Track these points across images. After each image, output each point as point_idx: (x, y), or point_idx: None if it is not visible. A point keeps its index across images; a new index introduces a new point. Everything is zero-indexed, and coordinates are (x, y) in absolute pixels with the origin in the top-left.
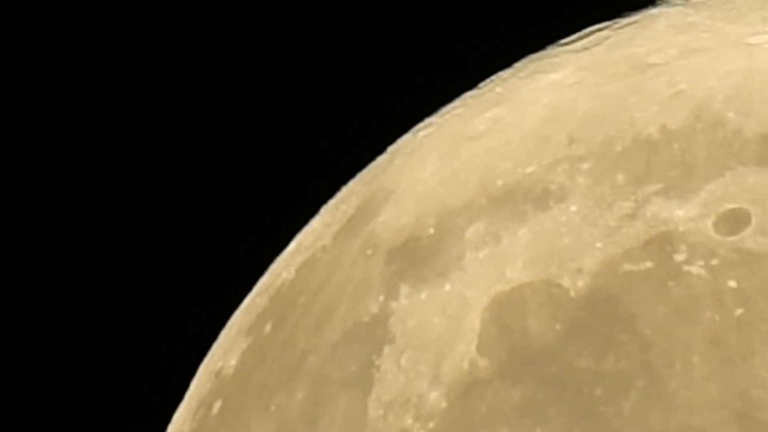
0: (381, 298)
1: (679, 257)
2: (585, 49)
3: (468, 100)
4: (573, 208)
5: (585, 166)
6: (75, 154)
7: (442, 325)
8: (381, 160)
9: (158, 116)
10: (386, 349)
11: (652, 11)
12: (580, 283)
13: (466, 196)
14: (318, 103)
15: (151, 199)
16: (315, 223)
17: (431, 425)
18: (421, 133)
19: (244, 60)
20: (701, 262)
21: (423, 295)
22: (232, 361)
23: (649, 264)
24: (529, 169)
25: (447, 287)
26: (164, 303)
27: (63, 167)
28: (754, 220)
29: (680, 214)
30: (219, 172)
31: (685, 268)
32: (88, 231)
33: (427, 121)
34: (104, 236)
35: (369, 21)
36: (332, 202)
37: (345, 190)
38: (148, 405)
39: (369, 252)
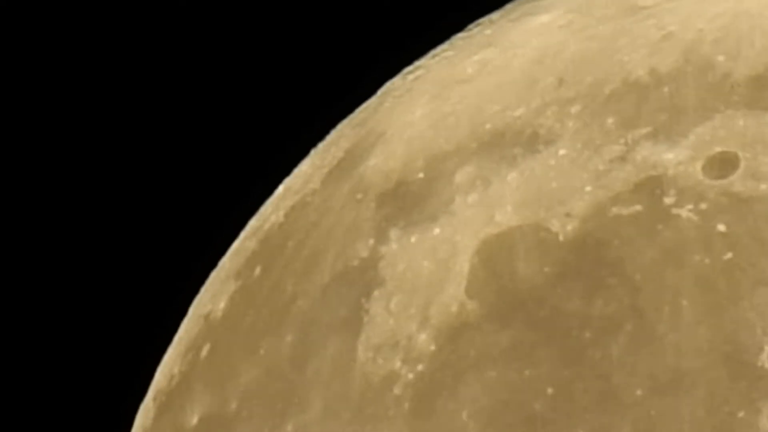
0: (371, 242)
1: (669, 201)
2: None
3: (457, 42)
4: (562, 151)
5: (574, 109)
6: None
7: (432, 269)
8: (371, 102)
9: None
10: (376, 293)
11: None
12: (568, 227)
13: (456, 140)
14: (306, 46)
15: (139, 145)
16: (304, 166)
17: (420, 368)
18: (411, 76)
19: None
20: (690, 206)
21: (413, 239)
22: (221, 305)
23: (638, 207)
24: (518, 112)
25: (437, 231)
26: (152, 245)
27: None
28: (743, 163)
29: (669, 157)
30: (204, 115)
31: (674, 211)
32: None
33: (417, 63)
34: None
35: None
36: (321, 145)
37: (334, 133)
38: (138, 348)
39: (359, 196)
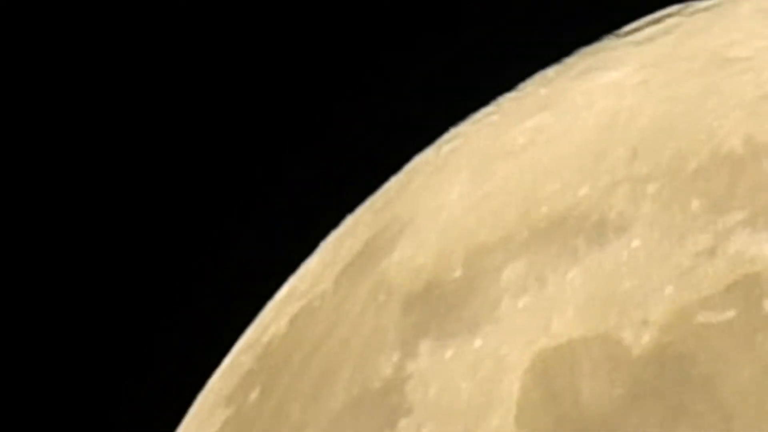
0: (396, 357)
1: None
2: (650, 40)
3: (505, 104)
4: (636, 242)
5: (651, 188)
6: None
7: (472, 392)
8: (395, 181)
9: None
10: (402, 423)
11: None
12: (645, 338)
13: (503, 228)
14: (316, 109)
15: (133, 233)
16: (313, 263)
17: None
18: (446, 147)
19: (235, 61)
20: None
21: (448, 354)
22: None
23: (731, 313)
24: (581, 192)
25: (478, 343)
26: (128, 366)
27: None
28: None
29: None
30: (196, 193)
31: None
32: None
33: (454, 131)
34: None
35: (381, 9)
36: (334, 235)
37: (350, 220)
38: None
39: (381, 298)
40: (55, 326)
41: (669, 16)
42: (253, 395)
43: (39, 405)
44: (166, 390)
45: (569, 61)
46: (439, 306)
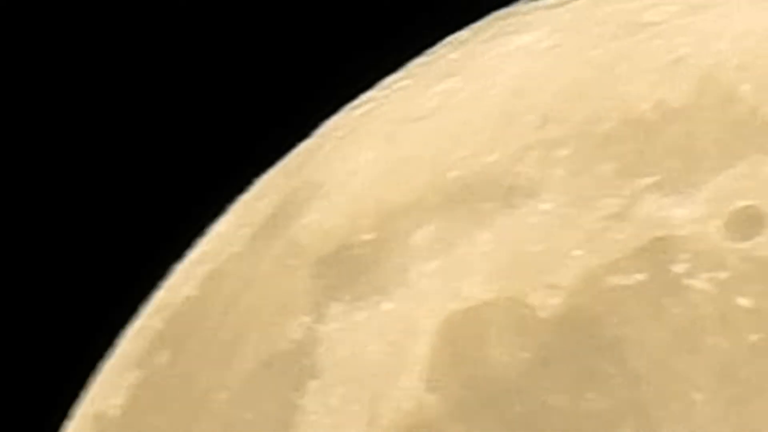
0: (306, 320)
1: (679, 268)
2: (562, 4)
3: (415, 69)
4: (546, 206)
5: (562, 153)
6: None
7: (382, 354)
8: (306, 145)
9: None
10: (312, 385)
11: None
12: (554, 302)
13: (413, 192)
14: (224, 72)
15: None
16: (223, 226)
17: None
18: (357, 112)
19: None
20: (706, 275)
21: (358, 317)
22: (118, 401)
23: (640, 277)
24: (491, 158)
25: (388, 306)
26: (36, 328)
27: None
28: None
29: (680, 213)
30: (92, 152)
31: (686, 282)
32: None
33: (364, 96)
34: None
35: None
36: (245, 198)
37: (261, 184)
38: None
39: (292, 262)
40: None
41: None
42: (163, 358)
43: None
44: (74, 353)
45: (480, 25)
46: (350, 270)
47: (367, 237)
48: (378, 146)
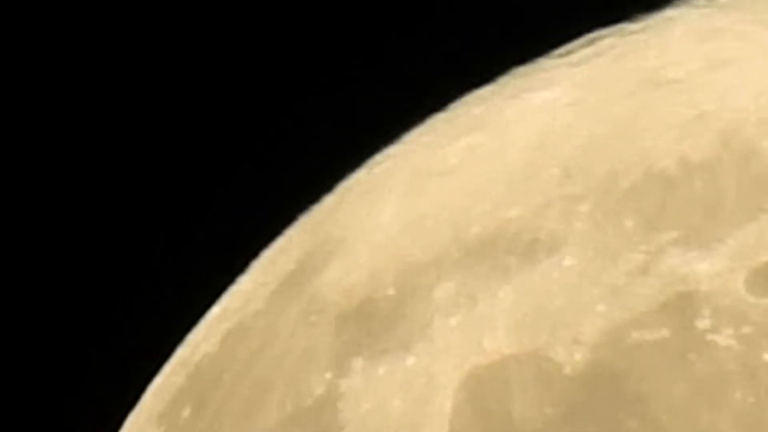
0: (328, 375)
1: (702, 324)
2: (583, 61)
3: (437, 124)
4: (568, 261)
5: (583, 207)
6: None
7: (404, 409)
8: (327, 201)
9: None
10: None
11: (668, 13)
12: (577, 356)
13: (434, 247)
14: (250, 126)
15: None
16: (245, 282)
17: None
18: (378, 168)
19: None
20: (730, 330)
21: (380, 372)
22: None
23: (664, 332)
24: (512, 213)
25: (410, 361)
26: (61, 383)
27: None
28: None
29: (703, 268)
30: (116, 207)
31: (710, 337)
32: None
33: (386, 152)
34: None
35: (309, 24)
36: (266, 254)
37: (282, 240)
38: None
39: (313, 318)
40: None
41: (602, 37)
42: (185, 413)
43: None
44: (98, 409)
45: (502, 81)
46: (372, 324)
47: (389, 292)
48: (399, 202)
